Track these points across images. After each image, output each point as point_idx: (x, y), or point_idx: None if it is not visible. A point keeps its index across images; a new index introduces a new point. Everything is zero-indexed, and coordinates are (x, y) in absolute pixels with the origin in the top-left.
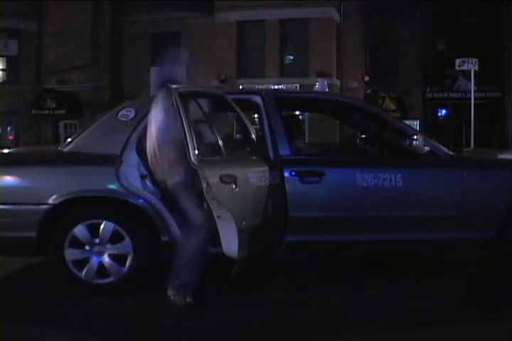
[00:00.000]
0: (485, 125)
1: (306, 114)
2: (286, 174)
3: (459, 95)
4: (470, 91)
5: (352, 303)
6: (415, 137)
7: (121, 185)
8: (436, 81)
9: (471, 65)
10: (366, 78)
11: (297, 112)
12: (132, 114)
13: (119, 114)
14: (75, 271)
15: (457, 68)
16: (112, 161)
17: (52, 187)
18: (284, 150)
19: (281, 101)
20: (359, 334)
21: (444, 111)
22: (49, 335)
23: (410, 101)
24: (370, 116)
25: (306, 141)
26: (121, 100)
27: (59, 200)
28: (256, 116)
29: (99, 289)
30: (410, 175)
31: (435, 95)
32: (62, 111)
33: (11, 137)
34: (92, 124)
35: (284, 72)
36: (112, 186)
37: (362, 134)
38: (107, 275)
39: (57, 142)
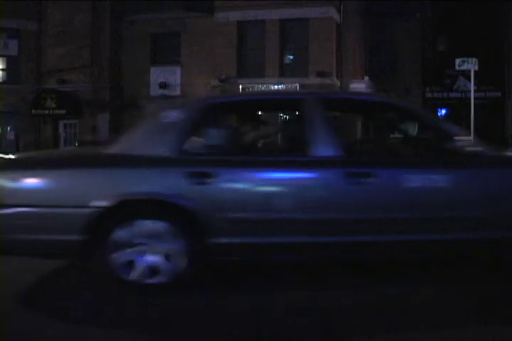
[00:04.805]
0: (485, 125)
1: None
2: (334, 175)
3: (458, 95)
4: (470, 91)
5: (352, 303)
6: (461, 138)
7: (168, 187)
8: (436, 81)
9: (471, 65)
10: (366, 78)
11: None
12: (177, 116)
13: (164, 116)
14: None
15: (457, 68)
16: (160, 163)
17: (100, 190)
18: (331, 151)
19: (327, 103)
20: (359, 334)
21: (444, 111)
22: (49, 335)
23: (410, 101)
24: (413, 118)
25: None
26: (121, 100)
27: (109, 203)
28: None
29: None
30: (461, 176)
31: (435, 95)
32: (62, 111)
33: (10, 137)
34: (137, 127)
35: (284, 72)
36: (160, 188)
37: (404, 135)
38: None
39: (57, 142)
